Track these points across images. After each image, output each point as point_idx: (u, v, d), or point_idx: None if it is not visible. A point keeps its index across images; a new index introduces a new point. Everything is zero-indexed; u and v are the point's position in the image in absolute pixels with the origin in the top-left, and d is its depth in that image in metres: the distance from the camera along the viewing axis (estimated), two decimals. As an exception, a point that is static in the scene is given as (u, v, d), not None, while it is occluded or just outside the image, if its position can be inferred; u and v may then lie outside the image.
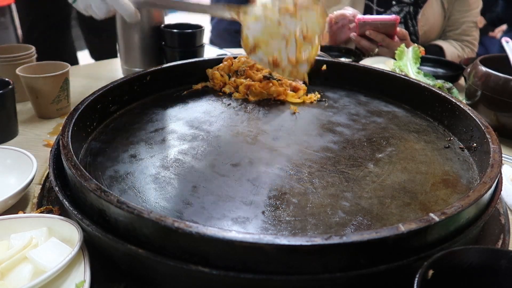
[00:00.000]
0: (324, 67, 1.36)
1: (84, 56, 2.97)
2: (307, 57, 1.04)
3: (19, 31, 2.45)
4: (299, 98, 1.25)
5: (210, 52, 1.99)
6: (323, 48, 1.85)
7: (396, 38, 1.80)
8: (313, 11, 1.05)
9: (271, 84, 1.24)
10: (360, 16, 1.80)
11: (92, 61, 2.59)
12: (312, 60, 1.04)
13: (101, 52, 2.41)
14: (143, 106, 1.18)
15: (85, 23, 2.38)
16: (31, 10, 2.13)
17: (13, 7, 2.49)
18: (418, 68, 1.52)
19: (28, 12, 2.14)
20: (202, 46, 1.66)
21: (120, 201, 0.62)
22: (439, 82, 1.44)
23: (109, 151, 0.94)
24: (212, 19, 3.14)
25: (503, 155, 0.89)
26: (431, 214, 0.61)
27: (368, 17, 1.80)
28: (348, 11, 1.87)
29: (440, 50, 2.03)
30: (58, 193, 0.74)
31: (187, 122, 1.10)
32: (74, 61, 2.34)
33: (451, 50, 2.06)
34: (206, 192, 0.80)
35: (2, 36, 3.62)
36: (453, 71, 1.71)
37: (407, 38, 1.85)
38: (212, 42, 2.73)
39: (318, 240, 0.55)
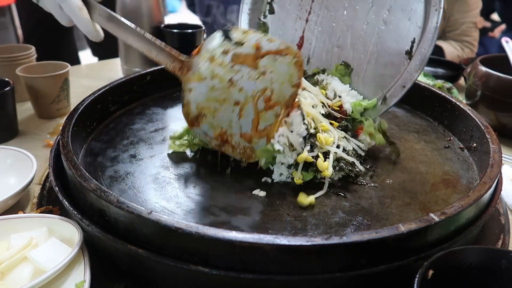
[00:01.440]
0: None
1: (85, 56, 2.96)
2: (266, 131, 0.78)
3: (19, 31, 2.44)
4: None
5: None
6: None
7: None
8: (283, 60, 0.77)
9: None
10: None
11: (94, 60, 2.59)
12: (272, 135, 0.79)
13: (104, 47, 2.40)
14: (143, 106, 1.18)
15: None
16: (32, 13, 2.12)
17: (13, 7, 2.48)
18: (418, 68, 1.52)
19: (29, 15, 2.14)
20: (202, 46, 1.66)
21: (120, 201, 0.62)
22: (439, 82, 1.44)
23: (109, 151, 0.94)
24: (205, 23, 3.13)
25: (503, 155, 0.89)
26: (431, 214, 0.61)
27: None
28: None
29: (440, 50, 2.03)
30: (58, 193, 0.74)
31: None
32: (75, 62, 2.34)
33: (451, 50, 2.06)
34: (206, 192, 0.80)
35: (2, 36, 3.62)
36: (453, 71, 1.71)
37: None
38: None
39: (318, 240, 0.55)
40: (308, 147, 0.82)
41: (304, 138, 0.82)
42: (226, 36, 0.77)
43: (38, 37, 2.04)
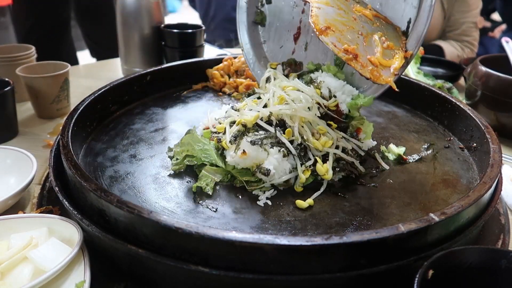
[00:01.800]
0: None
1: (84, 57, 2.96)
2: (392, 64, 0.87)
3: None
4: None
5: (210, 52, 1.99)
6: None
7: None
8: (390, 25, 0.91)
9: None
10: None
11: (92, 60, 2.59)
12: (397, 70, 0.85)
13: (103, 48, 2.39)
14: (143, 106, 1.18)
15: (84, 16, 2.36)
16: (29, 14, 2.12)
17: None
18: (418, 68, 1.52)
19: (26, 16, 2.14)
20: (202, 46, 1.66)
21: (120, 201, 0.62)
22: (439, 82, 1.44)
23: (109, 151, 0.94)
24: (206, 14, 3.13)
25: (503, 155, 0.89)
26: (431, 214, 0.61)
27: None
28: None
29: (440, 50, 2.03)
30: (58, 193, 0.74)
31: (187, 122, 1.10)
32: (74, 62, 2.34)
33: (451, 50, 2.06)
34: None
35: (2, 36, 3.62)
36: (453, 71, 1.71)
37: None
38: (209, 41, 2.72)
39: (318, 240, 0.55)
40: (303, 167, 0.81)
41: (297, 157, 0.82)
42: None
43: (37, 37, 2.04)
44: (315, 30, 0.83)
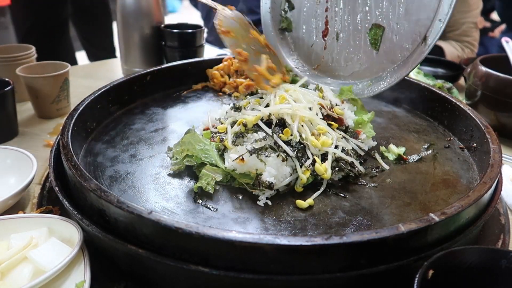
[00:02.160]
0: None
1: (82, 57, 2.96)
2: (272, 79, 1.03)
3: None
4: None
5: (210, 52, 1.99)
6: None
7: None
8: (276, 56, 1.09)
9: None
10: None
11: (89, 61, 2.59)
12: (276, 84, 1.01)
13: (99, 49, 2.39)
14: (143, 106, 1.18)
15: (79, 17, 2.36)
16: (28, 14, 2.12)
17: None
18: (418, 68, 1.52)
19: (25, 16, 2.14)
20: (202, 46, 1.66)
21: (120, 201, 0.62)
22: (439, 82, 1.44)
23: (109, 151, 0.94)
24: (208, 14, 3.14)
25: (503, 155, 0.89)
26: (431, 214, 0.61)
27: None
28: None
29: (440, 50, 2.03)
30: (58, 193, 0.74)
31: (187, 122, 1.10)
32: (72, 63, 2.34)
33: (451, 50, 2.06)
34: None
35: (2, 36, 3.62)
36: (453, 71, 1.71)
37: None
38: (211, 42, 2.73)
39: (318, 240, 0.55)
40: (303, 168, 0.81)
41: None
42: None
43: (36, 37, 2.04)
44: (218, 29, 0.99)
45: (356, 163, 0.86)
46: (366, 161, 0.92)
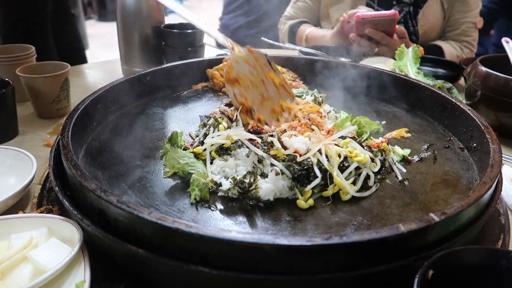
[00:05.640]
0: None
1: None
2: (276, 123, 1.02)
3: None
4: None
5: (210, 52, 1.99)
6: (326, 48, 1.86)
7: (395, 36, 1.81)
8: (289, 95, 1.09)
9: None
10: (359, 13, 1.80)
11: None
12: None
13: (68, 47, 2.35)
14: (143, 106, 1.18)
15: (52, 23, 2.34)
16: (8, 12, 2.10)
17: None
18: (418, 68, 1.52)
19: (5, 15, 2.12)
20: (202, 46, 1.66)
21: (120, 201, 0.62)
22: (439, 82, 1.44)
23: (109, 151, 0.94)
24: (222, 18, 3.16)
25: (503, 155, 0.89)
26: (431, 214, 0.61)
27: (367, 13, 1.80)
28: (362, 10, 1.88)
29: (439, 50, 2.03)
30: (58, 193, 0.74)
31: (187, 122, 1.10)
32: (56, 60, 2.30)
33: (450, 50, 2.06)
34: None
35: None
36: (453, 71, 1.71)
37: (406, 36, 1.85)
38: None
39: (318, 240, 0.55)
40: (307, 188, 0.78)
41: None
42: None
43: (17, 35, 2.03)
44: (225, 77, 1.01)
45: (372, 176, 0.85)
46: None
